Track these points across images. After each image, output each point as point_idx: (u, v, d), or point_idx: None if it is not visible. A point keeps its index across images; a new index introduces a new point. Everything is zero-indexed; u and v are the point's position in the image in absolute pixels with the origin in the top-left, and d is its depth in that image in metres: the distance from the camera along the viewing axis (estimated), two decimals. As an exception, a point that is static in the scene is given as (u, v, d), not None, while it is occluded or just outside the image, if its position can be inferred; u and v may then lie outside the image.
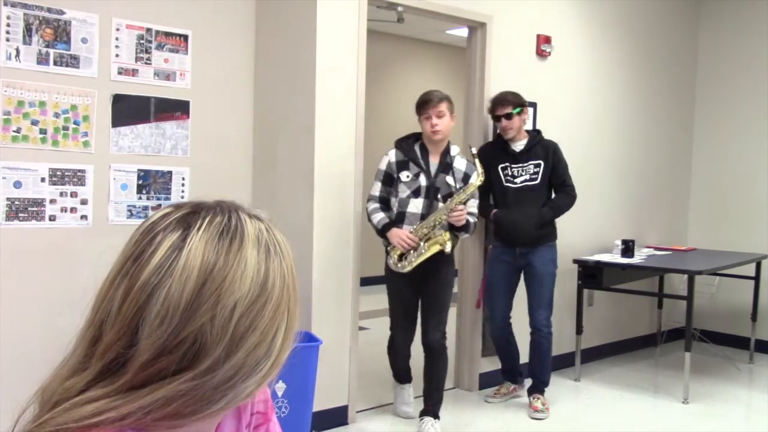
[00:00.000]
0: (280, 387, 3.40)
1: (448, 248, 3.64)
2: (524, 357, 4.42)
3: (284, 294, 0.80)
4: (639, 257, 5.06)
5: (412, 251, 3.67)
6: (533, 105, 4.76)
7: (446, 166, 3.77)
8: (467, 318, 4.64)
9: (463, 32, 4.75)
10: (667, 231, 6.10)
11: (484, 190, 4.32)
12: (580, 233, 5.13)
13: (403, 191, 3.72)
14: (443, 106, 3.72)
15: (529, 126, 4.62)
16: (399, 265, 3.71)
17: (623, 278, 5.00)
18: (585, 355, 5.11)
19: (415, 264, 3.67)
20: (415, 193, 3.71)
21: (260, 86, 4.05)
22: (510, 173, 4.21)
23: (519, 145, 4.23)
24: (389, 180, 3.77)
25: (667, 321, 6.00)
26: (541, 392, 4.30)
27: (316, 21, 3.71)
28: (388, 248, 3.74)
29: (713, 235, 6.15)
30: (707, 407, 4.48)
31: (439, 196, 3.72)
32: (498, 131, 4.32)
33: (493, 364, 4.75)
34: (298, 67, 3.82)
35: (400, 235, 3.65)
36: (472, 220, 3.77)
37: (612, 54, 5.45)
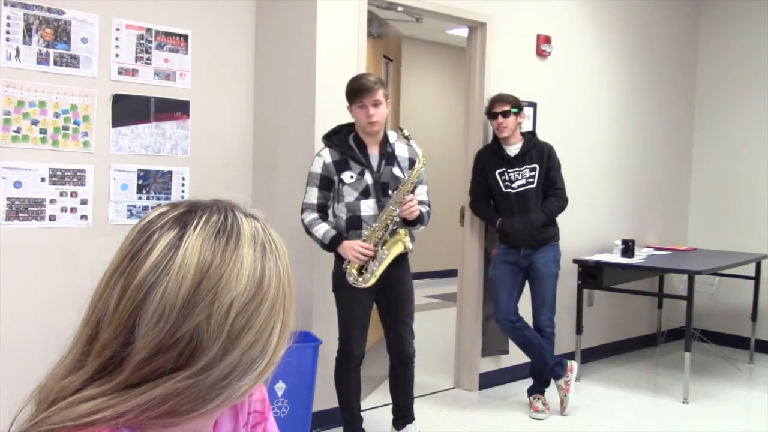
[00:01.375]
0: (280, 387, 3.41)
1: (410, 245, 3.33)
2: (524, 357, 4.42)
3: (280, 293, 0.81)
4: (639, 257, 5.06)
5: (371, 261, 3.30)
6: (533, 105, 4.76)
7: (389, 156, 3.41)
8: (467, 318, 4.64)
9: (463, 32, 4.75)
10: (667, 231, 6.10)
11: (485, 196, 4.33)
12: (580, 233, 5.13)
13: (350, 194, 3.33)
14: (380, 94, 3.31)
15: (528, 126, 4.63)
16: (360, 280, 3.32)
17: (623, 278, 5.01)
18: (585, 355, 5.11)
19: (378, 275, 3.31)
20: (364, 194, 3.33)
21: (260, 86, 4.05)
22: (507, 178, 4.20)
23: (514, 149, 4.22)
24: (327, 184, 3.35)
25: (667, 321, 6.00)
26: (542, 392, 4.30)
27: (316, 21, 3.71)
28: (344, 265, 3.33)
29: (713, 235, 6.15)
30: (707, 407, 4.48)
31: (390, 192, 3.35)
32: (494, 132, 4.32)
33: (493, 363, 4.75)
34: (298, 67, 3.82)
35: (354, 246, 3.26)
36: (423, 209, 3.41)
37: (612, 54, 5.45)
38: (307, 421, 3.52)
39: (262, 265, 0.79)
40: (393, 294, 3.49)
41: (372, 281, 3.31)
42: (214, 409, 0.78)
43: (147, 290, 0.75)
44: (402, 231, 3.32)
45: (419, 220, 3.38)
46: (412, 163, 3.43)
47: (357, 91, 3.32)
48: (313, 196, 3.37)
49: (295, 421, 3.44)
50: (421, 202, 3.42)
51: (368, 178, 3.34)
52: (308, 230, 3.37)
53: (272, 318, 0.79)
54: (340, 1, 3.79)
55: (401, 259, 3.45)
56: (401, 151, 3.47)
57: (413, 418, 3.67)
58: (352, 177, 3.33)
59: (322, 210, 3.38)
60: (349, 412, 3.54)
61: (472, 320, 4.62)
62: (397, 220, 3.32)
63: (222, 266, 0.76)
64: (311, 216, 3.36)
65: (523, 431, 4.04)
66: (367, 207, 3.34)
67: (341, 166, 3.34)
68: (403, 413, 3.66)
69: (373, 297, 3.49)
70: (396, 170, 3.41)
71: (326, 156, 3.36)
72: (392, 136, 3.49)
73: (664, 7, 5.92)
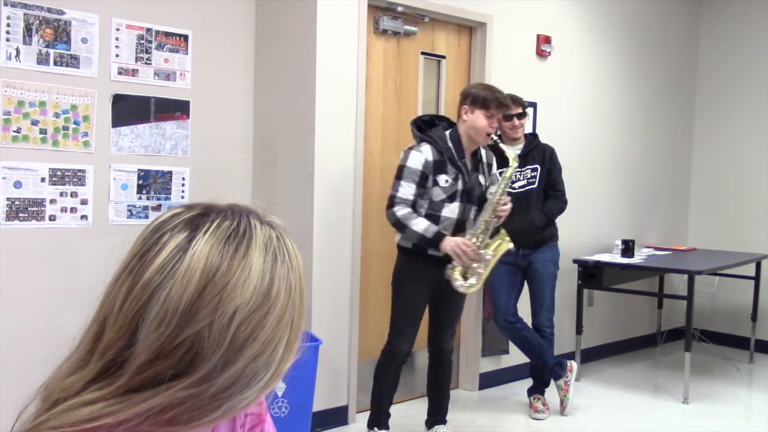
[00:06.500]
0: (280, 387, 3.40)
1: (512, 244, 3.45)
2: (524, 357, 4.42)
3: (289, 305, 0.78)
4: (639, 257, 5.06)
5: (474, 264, 3.35)
6: (533, 105, 4.76)
7: (477, 163, 3.51)
8: (467, 318, 4.63)
9: (463, 32, 4.75)
10: (667, 231, 6.10)
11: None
12: (580, 233, 5.13)
13: (438, 195, 3.37)
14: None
15: (528, 127, 4.62)
16: (466, 284, 3.38)
17: (623, 278, 5.01)
18: (585, 355, 5.10)
19: (485, 277, 3.41)
20: (451, 198, 3.38)
21: (260, 86, 4.05)
22: None
23: (516, 150, 4.21)
24: (424, 181, 3.35)
25: (667, 321, 6.00)
26: (542, 392, 4.30)
27: (316, 21, 3.71)
28: (447, 272, 3.37)
29: (713, 235, 6.15)
30: (707, 407, 4.48)
31: (473, 197, 3.47)
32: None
33: (493, 363, 4.75)
34: (298, 68, 3.82)
35: (458, 242, 3.29)
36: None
37: (612, 54, 5.45)
38: (307, 421, 3.52)
39: (271, 275, 0.77)
40: (446, 295, 3.51)
41: (477, 286, 3.41)
42: (215, 419, 0.77)
43: (152, 292, 0.74)
44: (503, 231, 3.43)
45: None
46: (489, 167, 3.56)
47: (498, 103, 3.39)
48: (409, 191, 3.32)
49: (295, 421, 3.44)
50: None
51: (460, 184, 3.40)
52: (402, 222, 3.32)
53: (279, 331, 0.77)
54: (341, 1, 3.79)
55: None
56: (485, 157, 3.57)
57: (444, 420, 3.69)
58: (447, 181, 3.37)
59: (414, 206, 3.36)
60: (378, 404, 3.58)
61: (472, 320, 4.62)
62: (496, 221, 3.43)
63: (228, 273, 0.74)
64: (406, 210, 3.32)
65: (523, 431, 4.03)
66: (450, 210, 3.38)
67: (439, 167, 3.36)
68: (434, 412, 3.68)
69: (430, 296, 3.52)
70: (481, 177, 3.50)
71: (428, 153, 3.35)
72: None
73: (664, 7, 5.92)
